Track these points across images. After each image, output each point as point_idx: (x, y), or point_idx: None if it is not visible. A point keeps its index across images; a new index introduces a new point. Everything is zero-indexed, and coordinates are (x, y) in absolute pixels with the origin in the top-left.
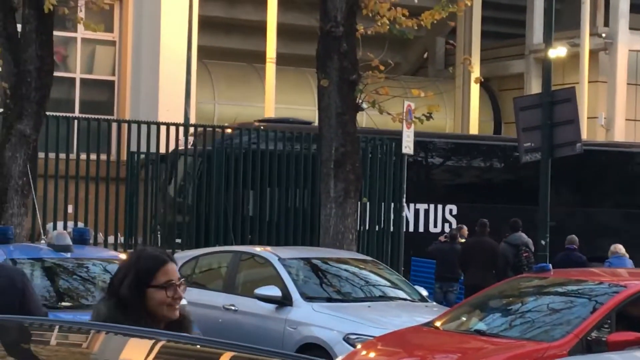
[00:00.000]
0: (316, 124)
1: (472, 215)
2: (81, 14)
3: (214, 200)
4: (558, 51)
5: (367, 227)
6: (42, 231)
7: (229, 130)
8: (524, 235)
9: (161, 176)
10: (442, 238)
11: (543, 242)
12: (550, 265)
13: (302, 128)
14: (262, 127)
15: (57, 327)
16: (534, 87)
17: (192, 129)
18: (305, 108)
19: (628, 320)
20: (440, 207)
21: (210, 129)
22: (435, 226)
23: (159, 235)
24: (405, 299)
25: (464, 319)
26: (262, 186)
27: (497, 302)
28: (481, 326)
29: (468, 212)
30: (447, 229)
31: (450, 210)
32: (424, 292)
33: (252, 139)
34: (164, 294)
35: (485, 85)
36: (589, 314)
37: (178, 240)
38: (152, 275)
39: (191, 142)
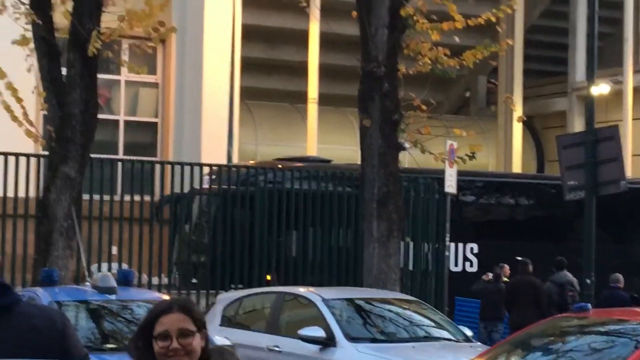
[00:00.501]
0: (335, 162)
1: (494, 253)
2: (125, 57)
3: (258, 241)
4: (601, 88)
5: (410, 267)
6: (86, 273)
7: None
8: (569, 274)
9: (190, 217)
10: (485, 277)
11: (588, 281)
12: (590, 304)
13: (321, 166)
14: (279, 166)
15: None
16: (577, 124)
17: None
18: (347, 148)
19: None
20: (460, 245)
21: (255, 169)
22: (455, 265)
23: (176, 275)
24: (449, 339)
25: (503, 359)
26: (304, 226)
27: (537, 341)
28: None
29: (489, 251)
30: (468, 268)
31: (472, 249)
32: (469, 332)
33: (294, 178)
34: (157, 345)
35: (527, 123)
36: (630, 354)
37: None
38: (152, 326)
39: (206, 182)
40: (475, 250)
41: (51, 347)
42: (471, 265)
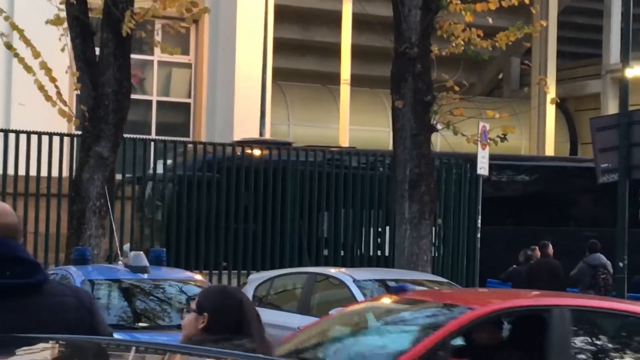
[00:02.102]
0: (296, 144)
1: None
2: (158, 37)
3: (288, 220)
4: (635, 71)
5: (441, 249)
6: (119, 252)
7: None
8: (602, 256)
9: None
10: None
11: (621, 264)
12: (410, 285)
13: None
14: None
15: (133, 347)
16: (611, 107)
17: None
18: (379, 129)
19: (476, 344)
20: None
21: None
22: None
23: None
24: None
25: (300, 346)
26: (336, 207)
27: (338, 327)
28: (310, 354)
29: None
30: None
31: None
32: None
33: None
34: None
35: (561, 105)
36: (423, 338)
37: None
38: None
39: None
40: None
41: (79, 324)
42: None
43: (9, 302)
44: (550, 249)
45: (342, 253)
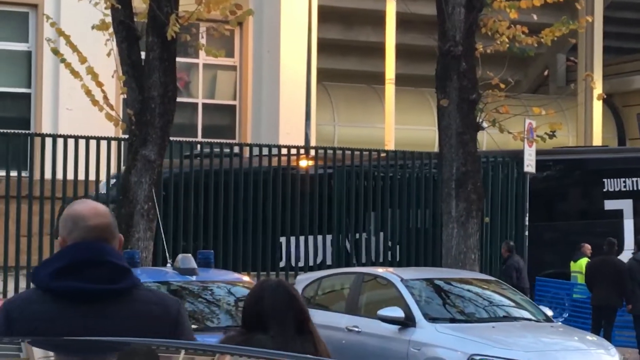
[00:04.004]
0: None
1: None
2: (203, 41)
3: (335, 220)
4: None
5: (489, 247)
6: (167, 255)
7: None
8: None
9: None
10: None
11: None
12: None
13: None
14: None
15: (182, 350)
16: None
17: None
18: (425, 128)
19: None
20: None
21: (331, 150)
22: None
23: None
24: (529, 319)
25: None
26: (383, 207)
27: None
28: None
29: None
30: None
31: None
32: (549, 312)
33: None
34: None
35: (608, 101)
36: None
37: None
38: None
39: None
40: None
41: (163, 333)
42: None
43: (93, 308)
44: (616, 247)
45: (389, 255)
